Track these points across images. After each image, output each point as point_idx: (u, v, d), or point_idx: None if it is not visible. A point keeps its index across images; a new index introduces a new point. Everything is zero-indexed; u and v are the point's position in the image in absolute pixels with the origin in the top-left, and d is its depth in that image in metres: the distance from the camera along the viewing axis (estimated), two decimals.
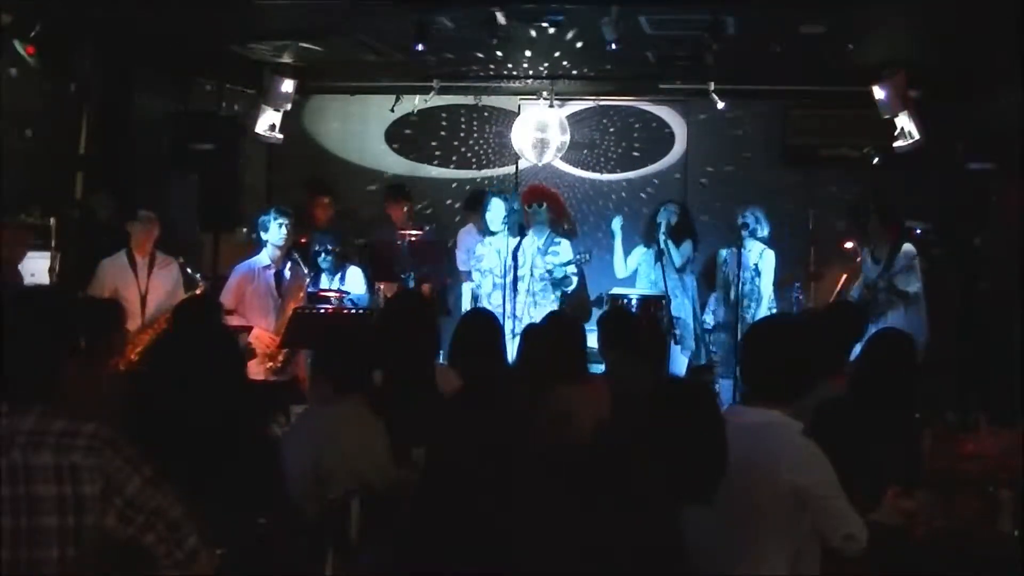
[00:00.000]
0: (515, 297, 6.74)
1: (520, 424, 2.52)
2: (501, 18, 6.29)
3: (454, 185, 9.12)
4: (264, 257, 6.67)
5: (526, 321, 6.40)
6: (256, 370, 6.22)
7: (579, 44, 7.25)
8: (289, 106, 8.20)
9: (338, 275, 6.97)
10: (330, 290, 6.88)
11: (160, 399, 2.76)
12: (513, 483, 2.31)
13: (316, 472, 3.45)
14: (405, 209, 8.16)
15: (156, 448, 2.40)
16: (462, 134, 9.13)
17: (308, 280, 6.68)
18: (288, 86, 8.06)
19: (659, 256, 7.23)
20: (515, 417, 2.52)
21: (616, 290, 7.33)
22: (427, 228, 8.00)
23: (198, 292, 6.45)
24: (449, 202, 9.07)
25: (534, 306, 6.80)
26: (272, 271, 6.64)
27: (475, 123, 9.13)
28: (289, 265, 6.71)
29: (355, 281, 7.00)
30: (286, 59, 7.96)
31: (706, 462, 2.58)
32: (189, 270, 6.60)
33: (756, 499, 2.88)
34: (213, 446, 2.73)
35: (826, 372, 4.01)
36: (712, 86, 8.11)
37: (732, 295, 7.19)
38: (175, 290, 6.52)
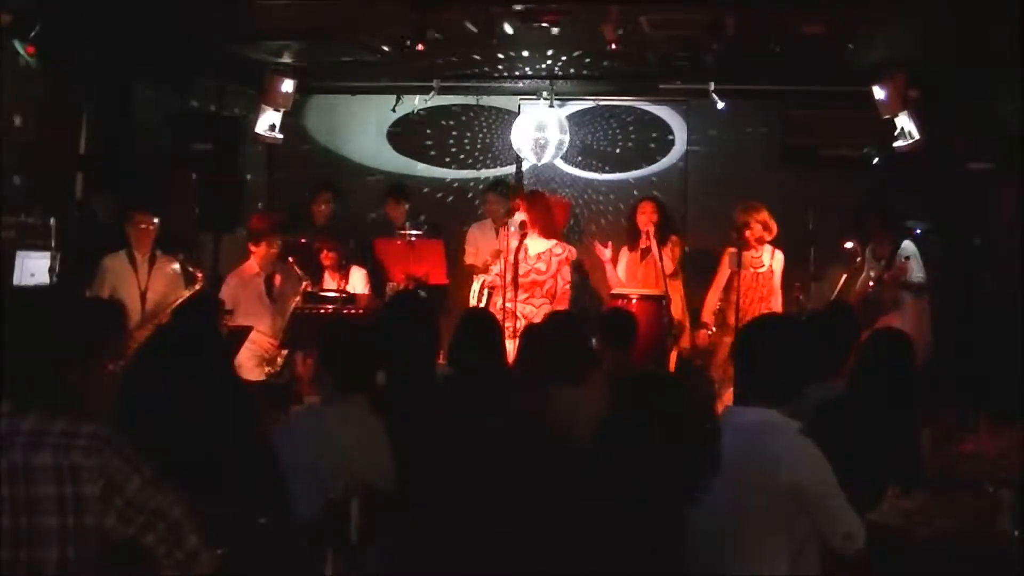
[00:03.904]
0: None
1: (525, 424, 2.52)
2: (508, 28, 6.30)
3: (454, 185, 9.12)
4: (253, 264, 6.71)
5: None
6: (254, 372, 6.23)
7: (579, 44, 7.24)
8: (289, 106, 8.19)
9: (340, 276, 7.01)
10: (330, 289, 6.89)
11: (150, 397, 2.76)
12: (516, 483, 2.31)
13: (316, 472, 3.45)
14: (405, 209, 8.17)
15: (152, 447, 2.40)
16: (462, 134, 9.13)
17: (303, 281, 6.70)
18: (288, 86, 8.05)
19: (644, 256, 7.28)
20: (519, 417, 2.52)
21: (616, 290, 7.33)
22: (425, 227, 8.01)
23: (197, 287, 6.49)
24: (449, 202, 9.07)
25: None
26: (262, 277, 6.68)
27: (475, 123, 9.13)
28: (281, 269, 6.73)
29: (358, 282, 7.03)
30: (286, 59, 7.95)
31: (693, 460, 2.58)
32: (190, 268, 6.62)
33: (755, 499, 2.88)
34: (209, 446, 2.72)
35: (826, 372, 4.02)
36: (712, 86, 8.10)
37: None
38: (175, 287, 6.55)
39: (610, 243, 7.46)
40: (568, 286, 6.96)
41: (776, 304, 7.16)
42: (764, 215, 7.17)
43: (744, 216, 7.15)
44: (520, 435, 2.42)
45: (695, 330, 7.52)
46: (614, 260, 7.46)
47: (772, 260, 7.22)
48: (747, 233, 7.10)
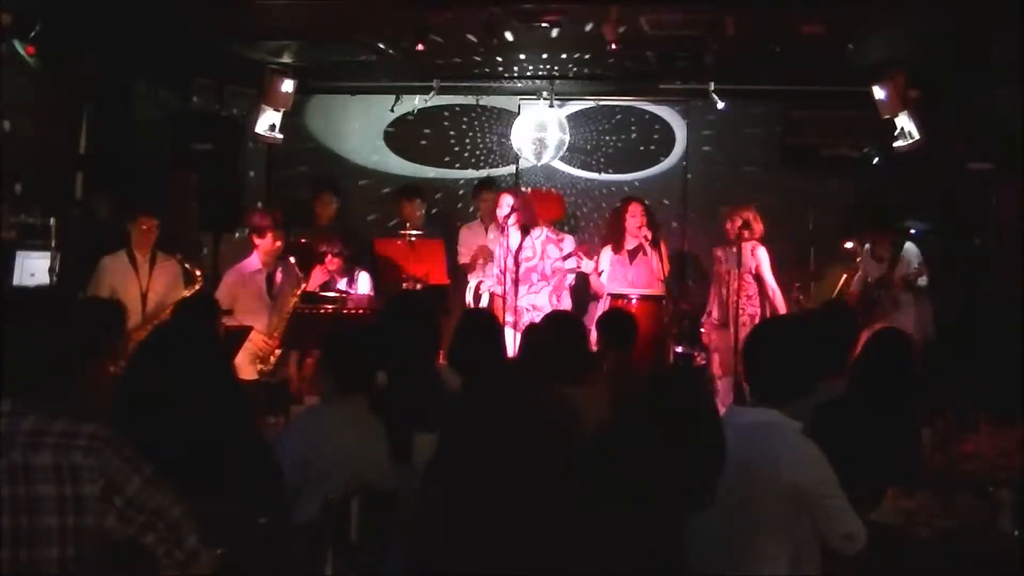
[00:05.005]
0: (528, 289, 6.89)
1: (534, 424, 2.52)
2: (509, 29, 6.36)
3: (454, 185, 9.12)
4: (255, 261, 6.69)
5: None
6: (249, 371, 6.22)
7: (579, 44, 7.24)
8: (289, 106, 8.19)
9: (346, 279, 7.01)
10: (330, 289, 6.89)
11: (148, 397, 2.76)
12: (516, 483, 2.31)
13: (315, 472, 3.45)
14: (419, 209, 8.14)
15: (150, 448, 2.40)
16: (462, 134, 9.13)
17: (303, 282, 6.70)
18: (288, 86, 8.05)
19: (633, 257, 7.33)
20: (529, 417, 2.52)
21: (616, 290, 7.33)
22: (426, 227, 8.02)
23: (197, 287, 6.49)
24: (449, 202, 9.07)
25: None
26: (263, 274, 6.67)
27: (475, 123, 9.13)
28: (282, 267, 6.73)
29: (364, 285, 7.03)
30: (286, 59, 7.95)
31: (702, 460, 2.58)
32: (187, 266, 6.62)
33: (756, 499, 2.88)
34: (208, 446, 2.72)
35: (826, 372, 4.02)
36: (712, 86, 8.10)
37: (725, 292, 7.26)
38: (175, 287, 6.55)
39: (596, 258, 7.48)
40: (559, 263, 7.07)
41: (775, 301, 7.19)
42: (745, 215, 7.20)
43: (728, 213, 7.24)
44: (522, 434, 2.42)
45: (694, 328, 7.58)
46: (596, 264, 7.52)
47: (751, 258, 7.25)
48: (728, 231, 7.19)
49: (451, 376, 4.36)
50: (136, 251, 6.49)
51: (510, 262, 6.85)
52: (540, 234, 7.06)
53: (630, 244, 7.40)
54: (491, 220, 7.82)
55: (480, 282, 7.35)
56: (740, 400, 6.08)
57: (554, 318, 5.22)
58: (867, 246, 7.10)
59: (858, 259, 7.31)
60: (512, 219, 7.01)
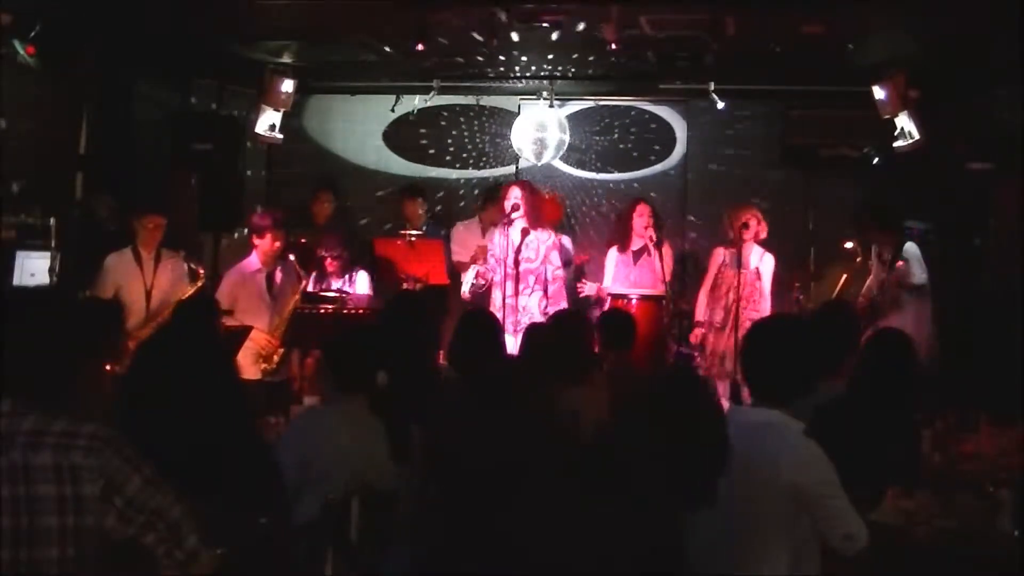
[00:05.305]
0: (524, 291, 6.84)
1: (526, 422, 2.52)
2: (503, 16, 6.30)
3: (454, 185, 9.12)
4: (254, 260, 6.69)
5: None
6: (250, 370, 6.23)
7: (579, 44, 7.24)
8: (289, 106, 8.19)
9: (345, 279, 7.00)
10: (330, 290, 6.89)
11: (148, 397, 2.76)
12: (517, 482, 2.32)
13: (315, 472, 3.45)
14: (420, 208, 8.10)
15: (150, 447, 2.40)
16: (462, 134, 9.13)
17: (305, 282, 6.69)
18: (288, 86, 8.05)
19: (637, 258, 7.33)
20: (521, 416, 2.53)
21: (616, 290, 7.33)
22: (427, 227, 8.02)
23: (199, 284, 6.50)
24: (449, 202, 9.07)
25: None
26: (263, 274, 6.67)
27: (475, 123, 9.12)
28: (282, 267, 6.72)
29: (362, 284, 7.03)
30: (286, 59, 7.95)
31: (705, 458, 2.58)
32: (192, 265, 6.63)
33: (756, 499, 2.88)
34: (209, 446, 2.73)
35: (826, 372, 4.02)
36: (712, 86, 8.10)
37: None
38: (179, 284, 6.56)
39: (598, 285, 7.46)
40: (559, 271, 6.99)
41: (765, 308, 7.16)
42: (747, 215, 7.18)
43: (731, 214, 7.23)
44: (522, 434, 2.43)
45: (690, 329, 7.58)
46: (601, 264, 7.50)
47: (760, 262, 7.22)
48: (731, 232, 7.19)
49: (451, 376, 4.38)
50: (141, 249, 6.51)
51: (510, 260, 6.79)
52: (548, 238, 6.99)
53: (635, 244, 7.40)
54: (491, 224, 7.79)
55: (478, 272, 7.25)
56: (737, 403, 6.08)
57: (557, 318, 5.23)
58: (875, 249, 7.08)
59: (858, 259, 7.30)
60: (518, 213, 6.93)
